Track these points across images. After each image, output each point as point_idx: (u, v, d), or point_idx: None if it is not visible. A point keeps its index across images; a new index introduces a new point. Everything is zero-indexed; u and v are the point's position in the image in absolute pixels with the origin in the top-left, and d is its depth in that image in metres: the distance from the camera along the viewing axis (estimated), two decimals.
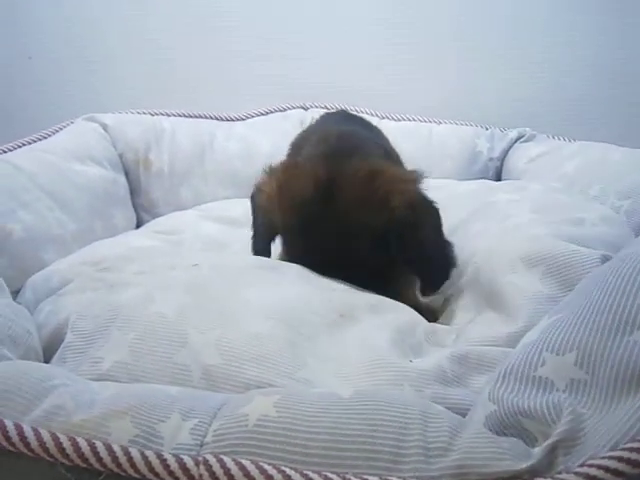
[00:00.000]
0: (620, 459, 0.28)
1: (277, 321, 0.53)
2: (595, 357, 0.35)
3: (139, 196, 1.12)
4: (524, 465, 0.29)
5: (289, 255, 0.70)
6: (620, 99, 1.38)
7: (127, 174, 1.10)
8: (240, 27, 1.35)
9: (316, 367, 0.49)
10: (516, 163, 1.18)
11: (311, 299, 0.59)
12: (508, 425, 0.35)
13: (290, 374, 0.47)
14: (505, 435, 0.35)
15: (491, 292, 0.61)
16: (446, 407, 0.43)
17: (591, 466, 0.28)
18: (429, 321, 0.63)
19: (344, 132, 0.80)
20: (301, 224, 0.66)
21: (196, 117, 1.22)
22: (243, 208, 1.06)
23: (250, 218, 1.00)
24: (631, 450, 0.29)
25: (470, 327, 0.59)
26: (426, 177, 0.69)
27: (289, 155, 0.92)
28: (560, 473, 0.29)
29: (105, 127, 1.08)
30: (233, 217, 1.02)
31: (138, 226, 1.09)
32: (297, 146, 0.92)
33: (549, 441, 0.30)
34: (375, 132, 0.95)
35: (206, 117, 1.23)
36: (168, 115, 1.19)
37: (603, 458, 0.29)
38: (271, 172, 0.73)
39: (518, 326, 0.52)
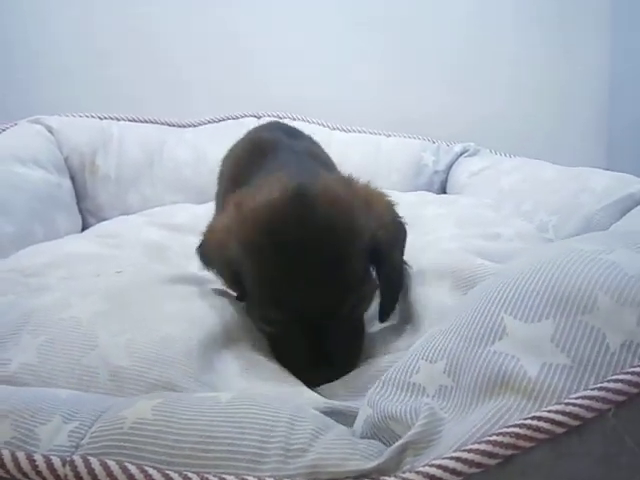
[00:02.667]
0: (458, 459, 0.31)
1: (189, 324, 0.54)
2: (460, 365, 0.37)
3: (85, 200, 1.12)
4: (371, 465, 0.31)
5: (264, 302, 0.54)
6: (562, 118, 1.44)
7: (73, 178, 1.11)
8: (194, 34, 1.36)
9: (223, 370, 0.51)
10: (459, 177, 1.22)
11: (232, 311, 0.60)
12: (380, 428, 0.38)
13: (196, 377, 0.49)
14: (378, 438, 0.38)
15: (405, 304, 0.63)
16: (340, 411, 0.45)
17: (432, 465, 0.31)
18: None
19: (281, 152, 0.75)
20: (273, 236, 0.52)
21: (146, 122, 1.23)
22: (188, 214, 1.08)
23: (195, 223, 1.02)
24: (470, 451, 0.31)
25: (383, 338, 0.61)
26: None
27: (223, 171, 0.92)
28: (404, 472, 0.31)
29: (50, 130, 1.09)
30: (177, 223, 1.03)
31: (84, 230, 1.09)
32: (232, 164, 0.88)
33: (399, 442, 0.32)
34: (307, 141, 0.91)
35: (156, 122, 1.24)
36: (117, 119, 1.20)
37: (444, 458, 0.31)
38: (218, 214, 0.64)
39: (418, 337, 0.54)
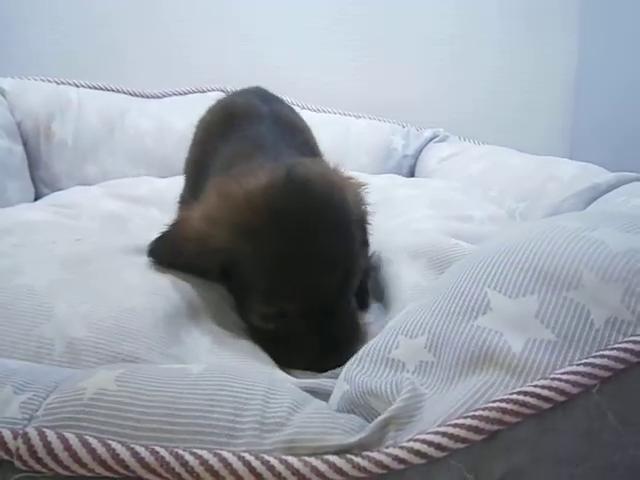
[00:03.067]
0: (443, 434, 0.29)
1: (155, 296, 0.51)
2: (442, 340, 0.36)
3: (39, 168, 1.06)
4: (353, 439, 0.29)
5: (270, 280, 0.49)
6: (534, 107, 1.45)
7: (26, 144, 1.04)
8: (165, 4, 1.31)
9: (191, 343, 0.48)
10: (428, 162, 1.22)
11: (198, 285, 0.57)
12: (357, 404, 0.36)
13: (161, 349, 0.46)
14: (355, 414, 0.36)
15: (379, 285, 0.62)
16: (312, 390, 0.43)
17: (416, 440, 0.29)
18: None
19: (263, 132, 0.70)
20: (271, 218, 0.49)
21: (107, 90, 1.17)
22: (150, 186, 1.03)
23: (157, 197, 0.98)
24: (455, 426, 0.30)
25: None
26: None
27: (195, 134, 0.88)
28: (388, 447, 0.29)
29: (3, 92, 1.02)
30: (138, 195, 0.98)
31: (37, 200, 1.03)
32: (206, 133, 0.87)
33: (381, 417, 0.31)
34: (284, 108, 0.88)
35: (119, 91, 1.18)
36: (77, 85, 1.14)
37: (429, 433, 0.30)
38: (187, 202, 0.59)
39: (389, 317, 0.53)
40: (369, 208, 0.61)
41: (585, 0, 1.39)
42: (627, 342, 0.32)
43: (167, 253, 0.57)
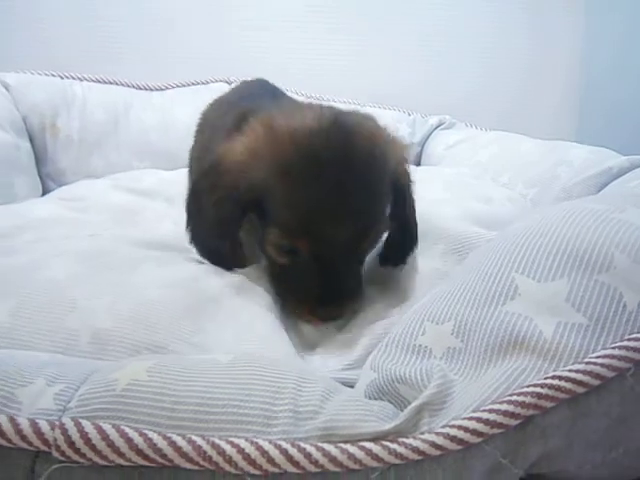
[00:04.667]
0: (479, 420, 0.29)
1: (175, 288, 0.51)
2: (470, 326, 0.36)
3: (45, 164, 1.05)
4: (389, 426, 0.29)
5: (291, 215, 0.50)
6: (536, 94, 1.44)
7: (32, 140, 1.04)
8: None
9: (215, 332, 0.48)
10: (435, 149, 1.21)
11: (216, 277, 0.57)
12: (386, 392, 0.36)
13: (186, 339, 0.46)
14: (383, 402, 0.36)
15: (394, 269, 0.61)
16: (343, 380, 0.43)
17: (452, 426, 0.29)
18: None
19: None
20: (312, 159, 0.50)
21: (111, 83, 1.16)
22: (156, 178, 1.03)
23: (163, 188, 0.97)
24: (490, 411, 0.30)
25: (372, 302, 0.59)
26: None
27: (201, 127, 0.88)
28: (423, 434, 0.29)
29: (7, 87, 1.01)
30: (144, 188, 0.97)
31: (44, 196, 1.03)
32: (213, 117, 0.88)
33: (415, 403, 0.30)
34: None
35: (122, 84, 1.18)
36: (80, 79, 1.13)
37: (464, 419, 0.30)
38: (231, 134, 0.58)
39: (410, 302, 0.53)
40: (410, 167, 0.62)
41: None
42: None
43: (206, 189, 0.56)
